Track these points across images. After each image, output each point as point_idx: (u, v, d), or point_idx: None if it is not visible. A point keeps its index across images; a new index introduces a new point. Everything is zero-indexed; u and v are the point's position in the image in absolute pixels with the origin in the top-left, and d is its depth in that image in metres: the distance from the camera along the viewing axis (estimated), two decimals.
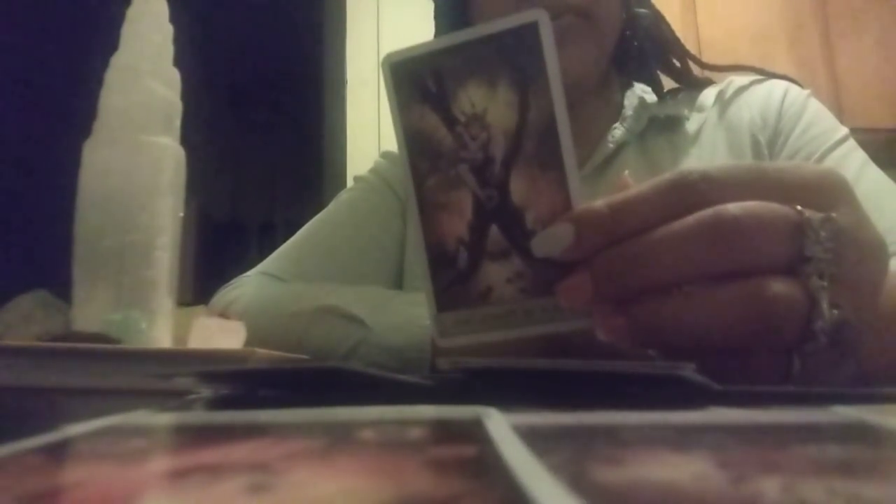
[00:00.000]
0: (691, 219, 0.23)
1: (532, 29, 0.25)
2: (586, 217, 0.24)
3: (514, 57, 0.25)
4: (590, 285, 0.24)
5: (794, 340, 0.23)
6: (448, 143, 0.26)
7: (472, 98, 0.26)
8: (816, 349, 0.23)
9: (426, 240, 0.27)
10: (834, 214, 0.23)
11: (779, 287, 0.22)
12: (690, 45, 0.56)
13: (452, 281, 0.27)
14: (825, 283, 0.22)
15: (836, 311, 0.22)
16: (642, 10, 0.59)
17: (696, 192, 0.24)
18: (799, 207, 0.23)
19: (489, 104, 0.26)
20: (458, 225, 0.26)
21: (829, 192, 0.25)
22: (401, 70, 0.27)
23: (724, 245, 0.22)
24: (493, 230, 0.26)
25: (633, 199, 0.24)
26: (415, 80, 0.27)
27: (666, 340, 0.24)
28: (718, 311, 0.23)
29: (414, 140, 0.27)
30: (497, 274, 0.26)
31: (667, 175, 0.24)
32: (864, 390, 0.23)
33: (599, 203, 0.24)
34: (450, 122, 0.26)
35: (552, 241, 0.25)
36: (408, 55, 0.27)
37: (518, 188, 0.26)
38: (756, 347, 0.23)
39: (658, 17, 0.61)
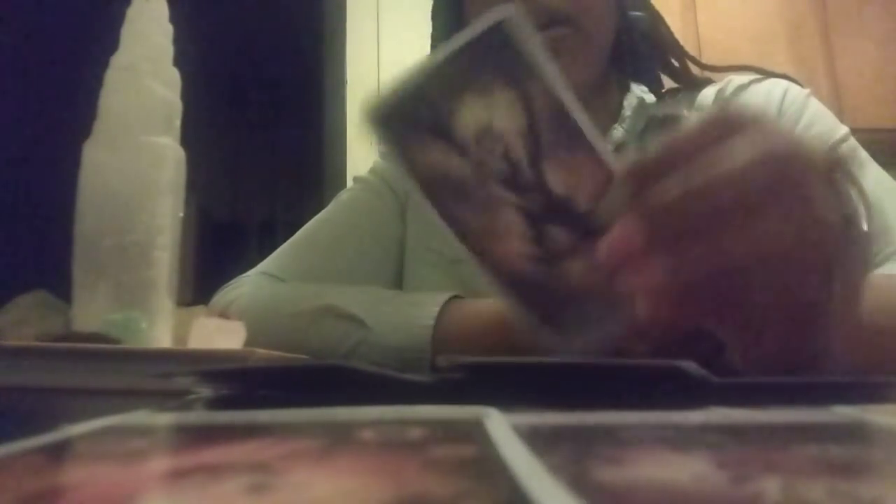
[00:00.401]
0: (744, 149, 0.23)
1: (503, 26, 0.24)
2: (631, 173, 0.24)
3: (496, 58, 0.24)
4: (637, 232, 0.23)
5: (833, 253, 0.24)
6: (466, 169, 0.25)
7: (472, 113, 0.25)
8: (853, 257, 0.24)
9: (491, 273, 0.26)
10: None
11: (819, 208, 0.23)
12: (690, 45, 0.56)
13: (536, 296, 0.26)
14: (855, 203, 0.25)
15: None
16: (638, 14, 0.59)
17: (736, 121, 0.24)
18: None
19: (491, 112, 0.25)
20: (514, 243, 0.25)
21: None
22: (387, 116, 0.25)
23: (779, 177, 0.23)
24: (551, 230, 0.25)
25: (679, 141, 0.24)
26: (406, 122, 0.25)
27: (707, 286, 0.24)
28: (763, 235, 0.23)
29: (429, 182, 0.25)
30: (574, 270, 0.25)
31: (707, 112, 0.25)
32: (863, 379, 0.23)
33: (644, 156, 0.24)
34: (459, 147, 0.25)
35: (611, 208, 0.24)
36: (389, 100, 0.25)
37: (555, 179, 0.25)
38: (797, 272, 0.24)
39: (656, 19, 0.61)
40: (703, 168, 0.23)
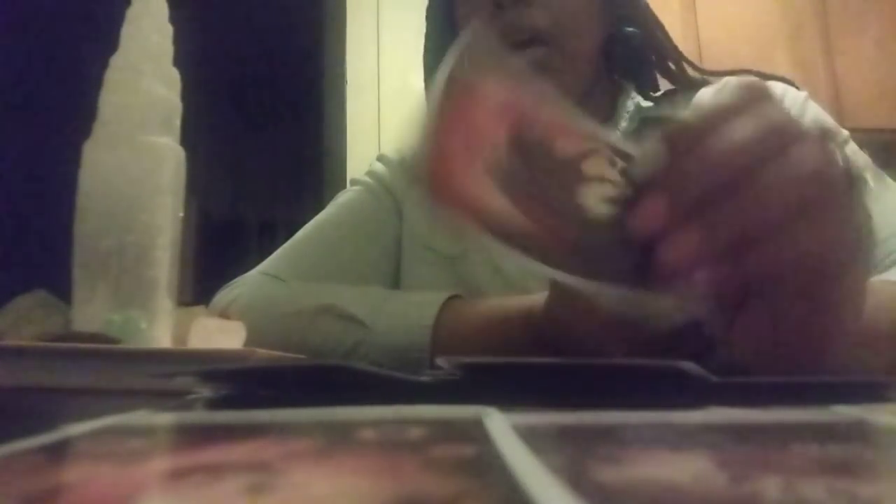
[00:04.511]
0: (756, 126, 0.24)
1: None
2: (678, 130, 0.25)
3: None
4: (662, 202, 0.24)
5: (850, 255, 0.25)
6: None
7: None
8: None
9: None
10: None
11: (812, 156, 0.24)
12: (690, 45, 0.56)
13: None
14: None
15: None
16: (631, 30, 0.59)
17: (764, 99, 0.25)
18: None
19: None
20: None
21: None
22: None
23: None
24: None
25: (717, 110, 0.25)
26: None
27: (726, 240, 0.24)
28: (769, 191, 0.24)
29: None
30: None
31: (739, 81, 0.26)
32: (863, 379, 0.23)
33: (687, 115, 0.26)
34: None
35: (648, 160, 0.26)
36: None
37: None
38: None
39: (654, 27, 0.60)
40: (738, 148, 0.24)
